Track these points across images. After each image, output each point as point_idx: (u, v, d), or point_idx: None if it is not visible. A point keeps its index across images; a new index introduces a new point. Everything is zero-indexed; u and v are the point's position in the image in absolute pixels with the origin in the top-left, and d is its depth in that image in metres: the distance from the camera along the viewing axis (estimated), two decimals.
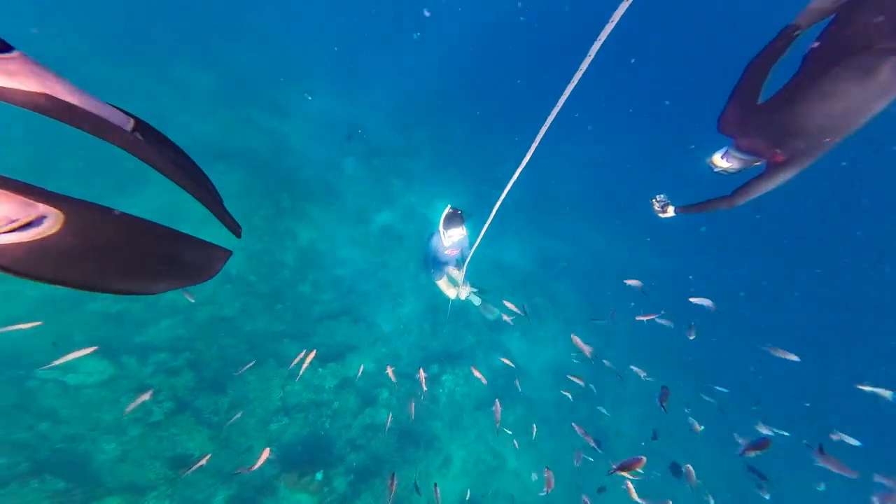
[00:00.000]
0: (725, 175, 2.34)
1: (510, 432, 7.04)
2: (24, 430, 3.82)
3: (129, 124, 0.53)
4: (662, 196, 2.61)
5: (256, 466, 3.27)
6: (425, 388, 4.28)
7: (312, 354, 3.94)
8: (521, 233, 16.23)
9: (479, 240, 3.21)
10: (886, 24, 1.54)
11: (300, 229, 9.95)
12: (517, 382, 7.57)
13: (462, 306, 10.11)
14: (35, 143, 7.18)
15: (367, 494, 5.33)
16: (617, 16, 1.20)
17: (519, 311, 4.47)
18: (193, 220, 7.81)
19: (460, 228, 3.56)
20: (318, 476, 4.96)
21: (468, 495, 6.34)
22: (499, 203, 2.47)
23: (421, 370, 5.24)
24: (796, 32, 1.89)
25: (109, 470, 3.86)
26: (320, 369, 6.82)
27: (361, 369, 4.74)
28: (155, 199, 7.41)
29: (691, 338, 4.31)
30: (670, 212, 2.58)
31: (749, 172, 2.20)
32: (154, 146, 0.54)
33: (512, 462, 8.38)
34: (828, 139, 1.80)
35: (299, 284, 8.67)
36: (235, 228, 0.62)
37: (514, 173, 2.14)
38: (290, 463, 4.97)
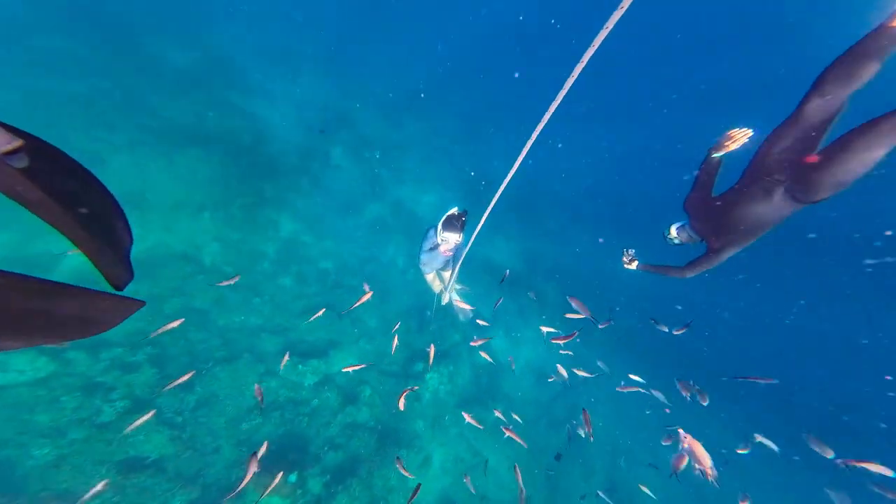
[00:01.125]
0: (672, 244, 2.90)
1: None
2: None
3: (10, 145, 0.36)
4: (633, 251, 3.06)
5: (246, 481, 2.94)
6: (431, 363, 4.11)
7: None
8: (510, 232, 16.24)
9: (469, 244, 3.12)
10: (779, 160, 2.11)
11: (283, 220, 9.53)
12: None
13: (449, 305, 10.01)
14: None
15: (342, 496, 5.17)
16: (611, 22, 1.21)
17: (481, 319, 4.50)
18: (161, 206, 7.33)
19: (456, 235, 3.59)
20: (292, 478, 4.76)
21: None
22: (490, 206, 2.45)
23: (432, 346, 5.05)
24: (714, 157, 2.47)
25: (38, 477, 3.44)
26: (300, 366, 6.57)
27: (352, 368, 4.50)
28: (115, 184, 6.87)
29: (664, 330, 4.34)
30: (634, 266, 3.05)
31: (692, 249, 2.80)
32: (47, 179, 0.35)
33: (490, 460, 8.41)
34: (749, 237, 2.38)
35: (280, 277, 8.31)
36: (119, 278, 0.45)
37: (505, 174, 2.06)
38: (263, 463, 4.74)
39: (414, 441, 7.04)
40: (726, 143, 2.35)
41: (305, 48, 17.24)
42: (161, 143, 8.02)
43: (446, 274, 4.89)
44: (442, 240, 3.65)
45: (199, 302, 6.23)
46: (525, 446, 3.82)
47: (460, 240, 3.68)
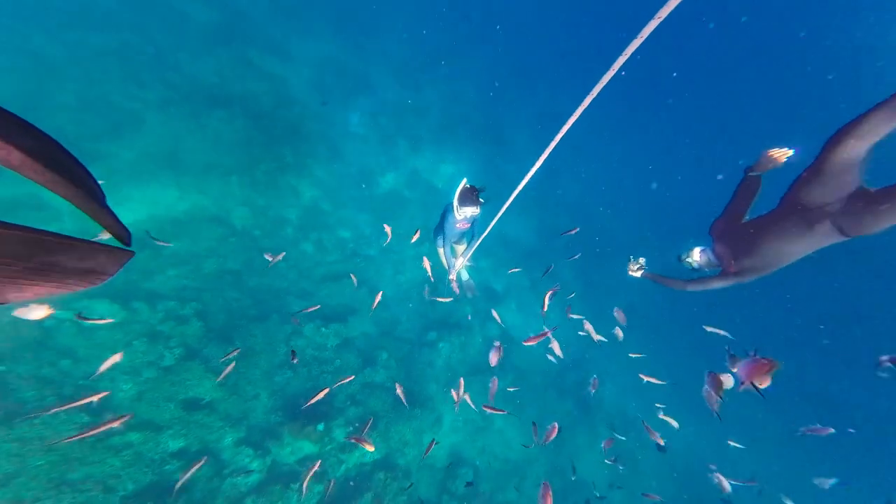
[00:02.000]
0: (687, 267, 2.80)
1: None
2: (48, 365, 3.99)
3: None
4: (643, 260, 3.00)
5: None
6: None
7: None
8: (526, 205, 15.88)
9: (490, 226, 3.10)
10: (830, 195, 2.03)
11: (303, 186, 9.61)
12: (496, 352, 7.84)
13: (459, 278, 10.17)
14: (23, 72, 6.58)
15: (363, 447, 5.76)
16: (646, 31, 1.18)
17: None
18: (194, 168, 7.48)
19: (474, 207, 3.59)
20: (320, 427, 5.32)
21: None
22: (516, 192, 2.41)
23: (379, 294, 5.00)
24: (752, 174, 2.40)
25: (128, 408, 4.12)
26: (323, 329, 7.00)
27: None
28: (153, 144, 7.00)
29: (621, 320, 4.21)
30: (638, 274, 3.01)
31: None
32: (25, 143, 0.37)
33: (498, 422, 9.03)
34: (774, 266, 2.34)
35: (302, 243, 8.58)
36: (123, 234, 0.48)
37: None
38: (294, 413, 5.30)
39: (427, 402, 7.59)
40: (766, 163, 2.24)
41: (324, 4, 16.11)
42: (189, 103, 8.01)
43: (459, 248, 4.92)
44: (460, 212, 3.69)
45: (231, 263, 6.57)
46: (505, 413, 4.17)
47: (478, 212, 3.72)
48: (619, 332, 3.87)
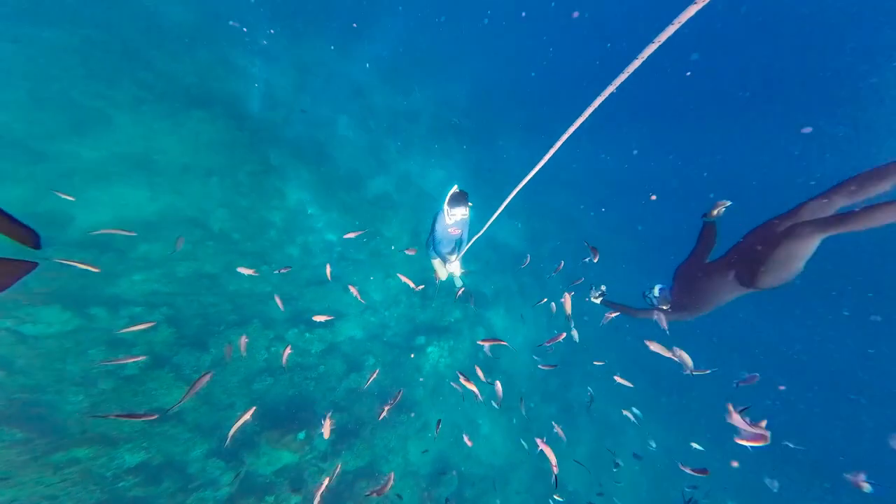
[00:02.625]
0: (649, 302, 3.07)
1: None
2: None
3: None
4: (603, 287, 3.29)
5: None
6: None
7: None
8: (515, 210, 16.02)
9: (483, 230, 3.21)
10: (748, 244, 2.31)
11: (289, 189, 9.42)
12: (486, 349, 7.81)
13: (451, 283, 10.16)
14: None
15: (347, 454, 5.59)
16: (646, 53, 1.22)
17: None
18: (169, 169, 7.23)
19: (463, 208, 3.84)
20: (301, 436, 5.13)
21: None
22: (510, 197, 2.46)
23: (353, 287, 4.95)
24: (707, 220, 2.69)
25: (77, 421, 3.79)
26: (307, 334, 6.81)
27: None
28: (122, 144, 6.73)
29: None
30: (598, 301, 3.27)
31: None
32: None
33: (485, 428, 8.95)
34: (699, 309, 2.65)
35: (287, 246, 8.38)
36: (28, 238, 0.44)
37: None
38: (273, 421, 5.09)
39: (414, 407, 7.46)
40: (713, 210, 2.58)
41: (309, 5, 16.06)
42: (164, 103, 7.75)
43: (452, 257, 5.00)
44: (451, 215, 3.88)
45: (209, 267, 6.34)
46: (480, 398, 4.15)
47: (467, 213, 3.94)
48: (575, 334, 3.89)
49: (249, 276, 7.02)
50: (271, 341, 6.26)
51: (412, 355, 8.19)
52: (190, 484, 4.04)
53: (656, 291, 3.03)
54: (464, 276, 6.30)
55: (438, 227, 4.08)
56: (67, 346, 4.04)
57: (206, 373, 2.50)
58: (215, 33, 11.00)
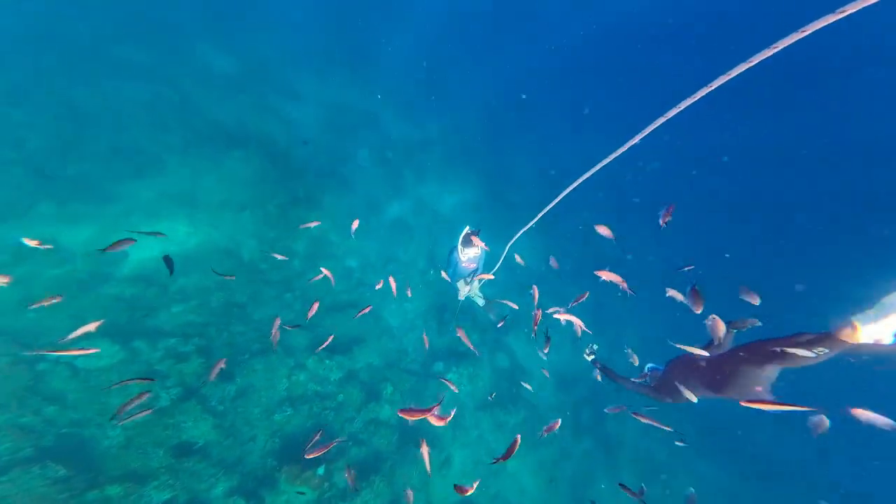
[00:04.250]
0: (640, 374, 3.40)
1: None
2: (32, 413, 3.86)
3: None
4: (595, 347, 3.62)
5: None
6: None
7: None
8: (532, 231, 15.83)
9: (503, 256, 3.34)
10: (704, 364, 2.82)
11: (312, 218, 9.91)
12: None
13: (468, 306, 10.02)
14: (67, 125, 7.27)
15: (366, 491, 5.34)
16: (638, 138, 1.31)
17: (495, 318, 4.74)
18: (209, 206, 7.86)
19: (476, 249, 4.26)
20: (320, 471, 4.98)
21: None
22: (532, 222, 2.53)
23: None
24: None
25: (113, 457, 3.90)
26: (327, 361, 6.82)
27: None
28: (172, 184, 7.45)
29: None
30: (589, 359, 3.60)
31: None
32: None
33: (512, 464, 8.32)
34: (671, 399, 3.03)
35: (309, 273, 8.66)
36: None
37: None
38: (293, 455, 5.00)
39: (435, 441, 7.12)
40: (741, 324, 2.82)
41: (333, 50, 17.74)
42: (209, 145, 8.61)
43: (473, 286, 5.33)
44: (465, 254, 4.32)
45: (238, 296, 6.63)
46: (455, 390, 4.00)
47: (479, 252, 4.37)
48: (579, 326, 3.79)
49: (274, 303, 7.25)
50: (291, 370, 6.31)
51: (443, 379, 7.94)
52: None
53: (646, 369, 3.38)
54: (484, 294, 6.23)
55: (454, 261, 4.46)
56: (112, 378, 4.27)
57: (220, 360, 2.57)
58: (253, 78, 12.35)
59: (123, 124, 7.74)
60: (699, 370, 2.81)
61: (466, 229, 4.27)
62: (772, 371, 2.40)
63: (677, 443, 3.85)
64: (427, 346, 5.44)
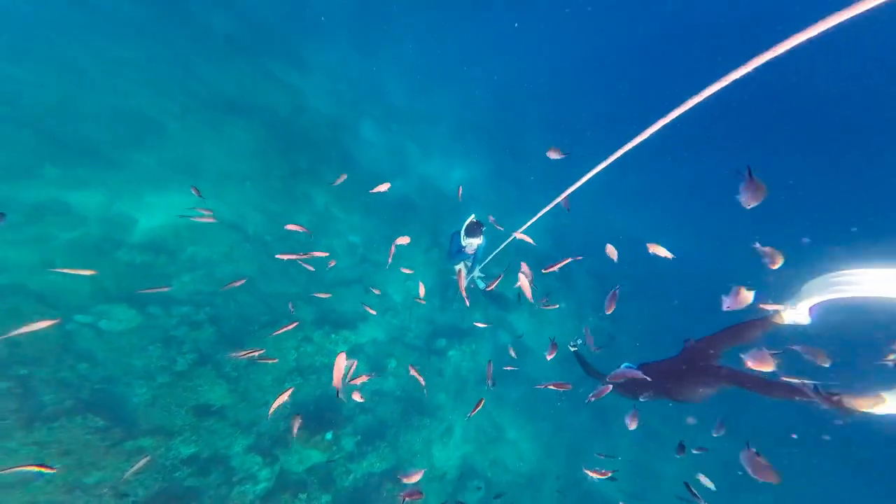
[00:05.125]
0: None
1: None
2: (68, 369, 4.10)
3: None
4: (580, 341, 3.99)
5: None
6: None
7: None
8: (538, 210, 15.56)
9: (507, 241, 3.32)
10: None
11: (315, 193, 9.74)
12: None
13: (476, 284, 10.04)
14: (66, 85, 6.99)
15: (372, 455, 5.65)
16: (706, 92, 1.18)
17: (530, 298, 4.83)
18: (211, 175, 7.71)
19: (478, 238, 4.48)
20: (328, 436, 5.24)
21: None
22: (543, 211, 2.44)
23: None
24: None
25: (143, 413, 4.20)
26: (333, 335, 6.98)
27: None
28: (173, 151, 7.26)
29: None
30: (573, 350, 3.95)
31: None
32: None
33: (511, 433, 8.73)
34: (631, 396, 3.38)
35: (313, 248, 8.66)
36: None
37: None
38: (303, 420, 5.25)
39: (437, 412, 7.43)
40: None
41: (338, 14, 16.55)
42: (209, 111, 8.29)
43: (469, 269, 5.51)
44: (467, 242, 4.52)
45: (245, 269, 6.67)
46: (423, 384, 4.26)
47: (482, 241, 4.60)
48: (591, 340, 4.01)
49: (281, 276, 7.31)
50: (300, 342, 6.47)
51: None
52: (233, 477, 4.29)
53: (622, 368, 3.56)
54: (483, 278, 6.27)
55: (455, 246, 4.68)
56: (133, 341, 4.47)
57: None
58: (257, 45, 11.66)
59: (121, 87, 7.42)
60: (657, 375, 3.06)
61: (472, 218, 4.38)
62: (714, 383, 2.68)
63: (695, 451, 3.92)
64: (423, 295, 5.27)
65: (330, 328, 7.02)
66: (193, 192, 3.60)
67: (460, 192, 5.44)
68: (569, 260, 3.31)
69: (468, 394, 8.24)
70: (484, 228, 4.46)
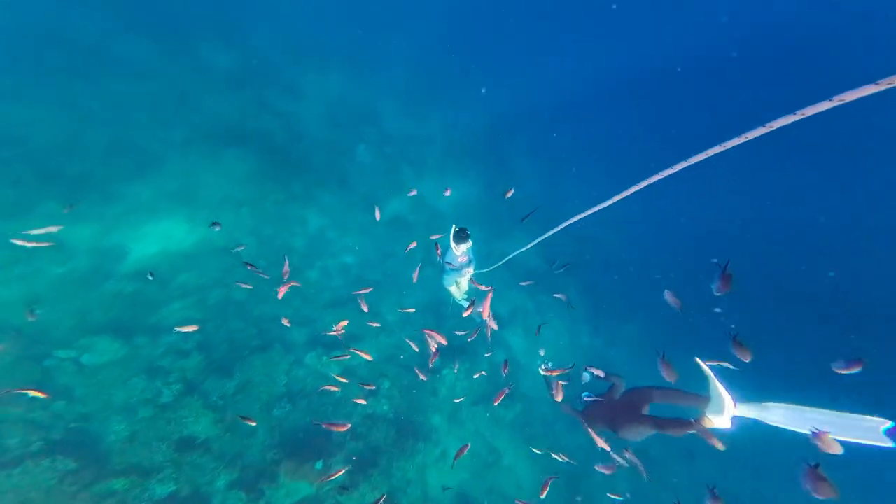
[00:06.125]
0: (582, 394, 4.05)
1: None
2: (41, 408, 3.96)
3: None
4: (549, 364, 4.00)
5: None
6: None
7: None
8: (530, 229, 15.90)
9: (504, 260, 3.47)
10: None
11: (310, 215, 9.92)
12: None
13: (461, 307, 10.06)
14: (65, 120, 7.23)
15: (364, 485, 5.47)
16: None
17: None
18: (209, 202, 7.86)
19: (468, 243, 4.68)
20: (318, 465, 5.09)
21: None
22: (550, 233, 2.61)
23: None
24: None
25: (118, 451, 4.00)
26: (325, 357, 6.91)
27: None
28: (171, 182, 7.44)
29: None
30: (542, 372, 3.96)
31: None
32: None
33: (508, 458, 8.49)
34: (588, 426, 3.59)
35: (307, 270, 8.71)
36: None
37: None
38: (291, 450, 5.11)
39: (431, 434, 7.25)
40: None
41: (334, 44, 17.50)
42: (209, 142, 8.58)
43: (463, 281, 5.56)
44: (458, 249, 4.69)
45: (237, 293, 6.68)
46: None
47: (470, 244, 4.75)
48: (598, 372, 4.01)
49: (273, 298, 7.31)
50: (291, 365, 6.40)
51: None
52: None
53: (583, 396, 3.95)
54: (469, 294, 6.37)
55: (449, 258, 4.86)
56: (116, 374, 4.36)
57: None
58: (253, 74, 12.21)
59: (123, 121, 7.72)
60: (606, 410, 3.38)
61: (454, 228, 4.65)
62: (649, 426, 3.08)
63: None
64: (417, 349, 5.47)
65: (323, 350, 6.96)
66: (214, 226, 3.67)
67: (448, 192, 5.71)
68: (536, 209, 3.37)
69: (463, 414, 8.09)
70: (469, 233, 4.65)
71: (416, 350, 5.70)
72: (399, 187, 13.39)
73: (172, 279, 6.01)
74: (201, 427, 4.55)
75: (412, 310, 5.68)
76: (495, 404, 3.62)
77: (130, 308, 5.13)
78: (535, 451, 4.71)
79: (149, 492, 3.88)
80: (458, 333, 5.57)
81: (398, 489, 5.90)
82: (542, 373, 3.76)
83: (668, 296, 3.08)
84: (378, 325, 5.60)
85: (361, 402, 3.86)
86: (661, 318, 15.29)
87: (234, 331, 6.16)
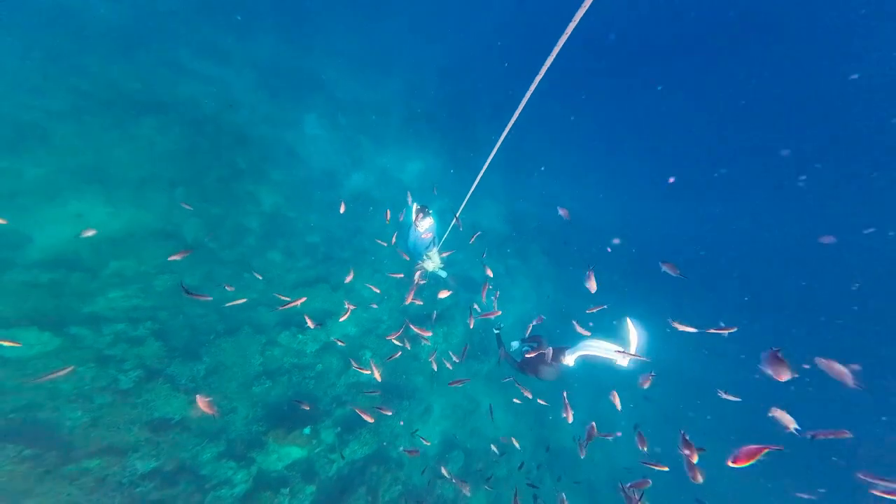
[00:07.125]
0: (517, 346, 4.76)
1: None
2: None
3: None
4: (501, 325, 5.13)
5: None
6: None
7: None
8: (496, 194, 16.30)
9: (449, 228, 3.72)
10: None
11: (262, 193, 9.16)
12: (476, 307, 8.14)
13: (437, 276, 10.33)
14: None
15: (354, 443, 5.74)
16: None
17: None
18: (127, 182, 6.85)
19: (429, 219, 4.99)
20: (307, 431, 5.21)
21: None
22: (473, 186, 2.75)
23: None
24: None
25: (81, 435, 3.74)
26: (300, 335, 6.81)
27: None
28: (69, 158, 6.30)
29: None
30: (496, 332, 4.91)
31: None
32: None
33: (485, 404, 9.34)
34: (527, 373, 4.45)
35: (268, 251, 8.22)
36: None
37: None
38: (278, 420, 5.15)
39: (415, 394, 7.69)
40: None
41: (260, 4, 15.24)
42: (109, 111, 7.28)
43: (433, 253, 5.66)
44: (421, 226, 4.97)
45: (189, 278, 6.17)
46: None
47: (432, 221, 5.02)
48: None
49: (232, 283, 6.88)
50: (264, 346, 6.23)
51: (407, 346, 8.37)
52: (206, 484, 4.09)
53: (516, 344, 4.65)
54: (446, 268, 6.56)
55: (413, 236, 5.07)
56: (55, 365, 3.92)
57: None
58: (153, 34, 10.29)
59: None
60: (534, 362, 4.26)
61: (415, 206, 4.93)
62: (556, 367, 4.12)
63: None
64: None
65: (296, 329, 6.83)
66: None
67: (410, 208, 5.53)
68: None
69: (443, 374, 8.61)
70: (430, 210, 4.92)
71: (405, 347, 5.91)
72: (359, 161, 12.75)
73: (103, 266, 5.33)
74: (173, 408, 4.36)
75: (378, 290, 5.81)
76: (458, 361, 4.09)
77: (53, 298, 4.52)
78: (516, 401, 5.32)
79: (129, 469, 3.75)
80: (441, 297, 5.74)
81: (387, 443, 6.30)
82: (495, 332, 4.79)
83: (666, 267, 3.34)
84: (353, 306, 5.48)
85: (365, 371, 4.06)
86: (609, 269, 16.98)
87: (194, 317, 5.76)
